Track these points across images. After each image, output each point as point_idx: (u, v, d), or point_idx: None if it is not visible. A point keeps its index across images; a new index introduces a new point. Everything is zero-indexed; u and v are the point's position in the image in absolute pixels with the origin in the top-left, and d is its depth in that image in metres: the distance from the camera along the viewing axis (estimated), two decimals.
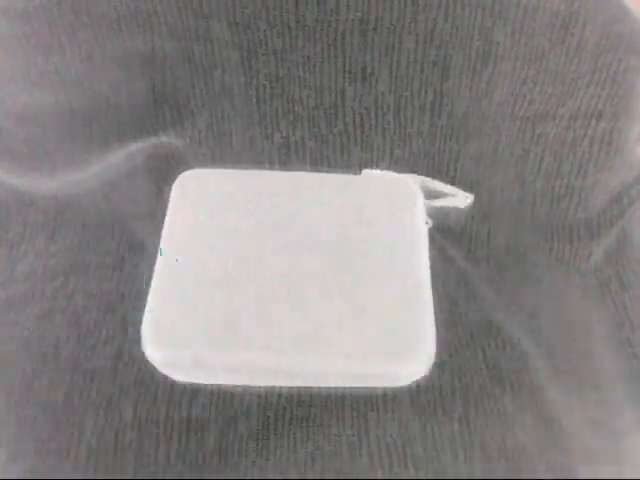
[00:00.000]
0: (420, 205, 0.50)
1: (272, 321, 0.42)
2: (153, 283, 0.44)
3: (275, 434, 0.45)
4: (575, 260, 0.57)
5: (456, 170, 0.56)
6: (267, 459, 0.44)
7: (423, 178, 0.54)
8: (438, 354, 0.44)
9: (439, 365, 0.45)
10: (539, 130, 0.55)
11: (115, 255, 0.56)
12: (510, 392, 0.48)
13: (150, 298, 0.44)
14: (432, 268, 0.55)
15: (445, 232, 0.54)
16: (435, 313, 0.47)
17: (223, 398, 0.44)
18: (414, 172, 0.55)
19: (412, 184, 0.52)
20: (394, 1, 0.48)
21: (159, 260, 0.46)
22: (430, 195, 0.54)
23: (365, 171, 0.54)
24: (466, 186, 0.56)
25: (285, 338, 0.41)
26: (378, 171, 0.54)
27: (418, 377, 0.44)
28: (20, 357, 0.49)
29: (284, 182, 0.51)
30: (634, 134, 0.56)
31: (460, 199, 0.54)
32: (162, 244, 0.47)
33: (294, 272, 0.44)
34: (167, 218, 0.48)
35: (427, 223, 0.51)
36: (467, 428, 0.46)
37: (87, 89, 0.53)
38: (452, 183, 0.56)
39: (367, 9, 0.48)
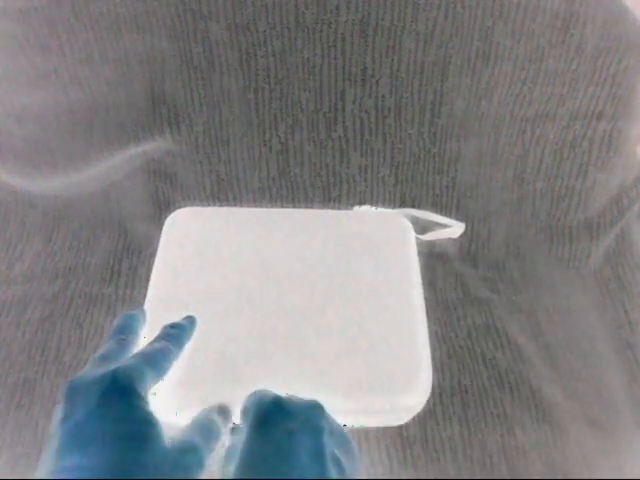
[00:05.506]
0: (411, 240, 0.50)
1: (267, 358, 0.41)
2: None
3: None
4: (575, 261, 0.57)
5: (456, 170, 0.56)
6: None
7: (414, 211, 0.54)
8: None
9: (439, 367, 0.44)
10: (539, 130, 0.55)
11: (114, 257, 0.56)
12: (510, 393, 0.48)
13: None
14: (429, 270, 0.55)
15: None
16: (432, 318, 0.46)
17: None
18: (414, 178, 0.56)
19: (402, 219, 0.51)
20: (394, 1, 0.48)
21: (148, 300, 0.44)
22: (423, 227, 0.53)
23: (356, 208, 0.55)
24: (466, 186, 0.57)
25: (280, 375, 0.40)
26: (368, 207, 0.55)
27: (416, 412, 0.43)
28: (21, 360, 0.49)
29: (276, 219, 0.50)
30: (634, 134, 0.56)
31: (452, 230, 0.54)
32: (152, 280, 0.45)
33: (288, 308, 0.44)
34: (158, 256, 0.47)
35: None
36: (467, 429, 0.46)
37: (87, 89, 0.53)
38: (452, 183, 0.56)
39: (367, 10, 0.48)
